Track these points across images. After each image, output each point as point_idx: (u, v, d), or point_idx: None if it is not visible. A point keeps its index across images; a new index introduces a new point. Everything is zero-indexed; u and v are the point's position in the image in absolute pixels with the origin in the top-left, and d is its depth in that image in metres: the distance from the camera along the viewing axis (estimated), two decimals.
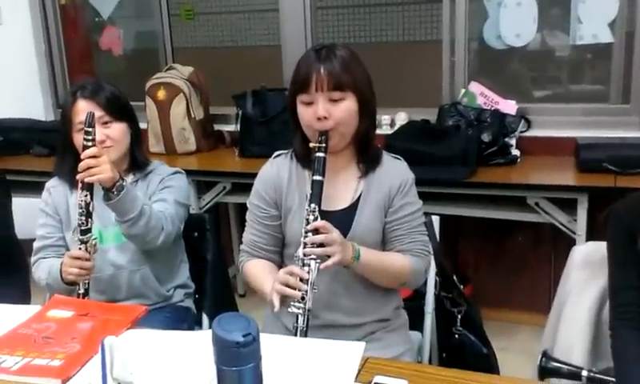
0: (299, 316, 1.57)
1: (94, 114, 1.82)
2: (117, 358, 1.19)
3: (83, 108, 1.94)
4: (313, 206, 1.61)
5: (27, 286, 2.29)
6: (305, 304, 1.56)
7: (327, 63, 1.65)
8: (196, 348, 1.44)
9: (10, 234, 2.29)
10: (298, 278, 1.57)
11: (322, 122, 1.65)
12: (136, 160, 2.06)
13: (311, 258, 1.58)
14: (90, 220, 1.84)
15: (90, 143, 1.80)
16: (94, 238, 1.88)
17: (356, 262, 1.65)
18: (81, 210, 1.83)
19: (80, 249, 1.85)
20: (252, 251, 1.83)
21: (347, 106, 1.66)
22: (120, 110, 1.99)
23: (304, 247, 1.59)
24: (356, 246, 1.66)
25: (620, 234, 1.54)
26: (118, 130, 1.97)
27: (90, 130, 1.80)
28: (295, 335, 1.57)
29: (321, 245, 1.58)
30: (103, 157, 1.80)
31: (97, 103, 1.94)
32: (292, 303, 1.58)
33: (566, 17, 3.10)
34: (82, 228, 1.84)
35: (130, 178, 2.05)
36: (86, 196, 1.83)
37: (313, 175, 1.64)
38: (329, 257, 1.58)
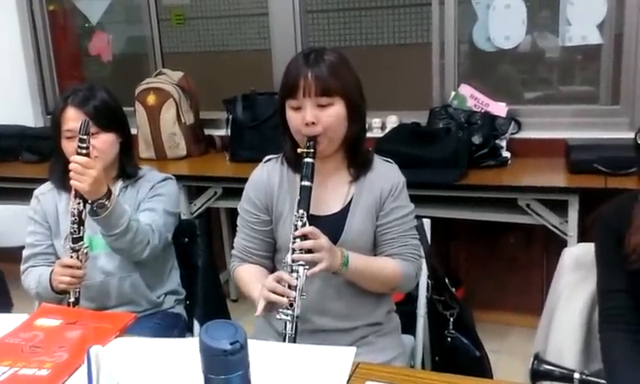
0: (287, 323, 1.56)
1: (89, 121, 1.80)
2: (103, 367, 1.18)
3: (71, 116, 1.92)
4: (301, 211, 1.60)
5: (6, 294, 2.27)
6: (293, 311, 1.55)
7: (315, 68, 1.64)
8: (184, 356, 1.42)
9: None
10: (287, 285, 1.56)
11: (309, 127, 1.64)
12: (125, 170, 2.04)
13: (299, 264, 1.57)
14: (82, 228, 1.83)
15: (83, 151, 1.78)
16: (86, 247, 1.86)
17: (344, 268, 1.64)
18: (73, 218, 1.82)
19: (71, 257, 1.83)
20: (243, 256, 1.82)
21: (335, 112, 1.66)
22: (109, 119, 1.96)
23: (292, 253, 1.58)
24: (345, 252, 1.65)
25: (606, 238, 1.54)
26: (103, 141, 1.94)
27: (85, 137, 1.78)
28: (284, 341, 1.56)
29: (309, 251, 1.57)
30: (91, 170, 1.77)
31: (84, 112, 1.91)
32: (280, 310, 1.57)
33: (555, 18, 3.11)
34: (74, 236, 1.82)
35: (119, 185, 2.04)
36: (78, 204, 1.81)
37: (301, 181, 1.64)
38: (317, 263, 1.57)
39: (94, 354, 1.17)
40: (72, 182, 1.79)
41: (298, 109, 1.66)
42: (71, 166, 1.78)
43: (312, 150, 1.64)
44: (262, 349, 1.39)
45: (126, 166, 2.05)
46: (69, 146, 1.92)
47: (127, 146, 2.06)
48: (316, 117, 1.63)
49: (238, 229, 1.85)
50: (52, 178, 2.05)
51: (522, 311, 3.18)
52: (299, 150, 1.67)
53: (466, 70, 3.32)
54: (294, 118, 1.67)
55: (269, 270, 1.79)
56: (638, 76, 2.94)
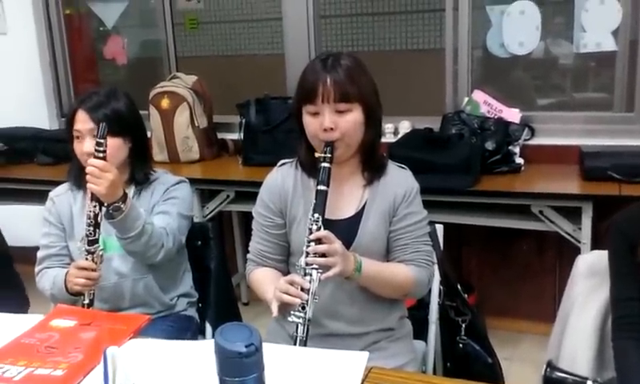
0: (299, 325, 1.56)
1: (105, 125, 1.80)
2: (119, 368, 1.19)
3: (80, 118, 1.94)
4: (316, 215, 1.60)
5: (24, 294, 2.29)
6: (305, 314, 1.56)
7: (333, 73, 1.64)
8: (199, 358, 1.43)
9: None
10: (299, 287, 1.57)
11: (327, 132, 1.64)
12: (134, 176, 2.04)
13: (313, 268, 1.58)
14: (97, 230, 1.84)
15: (100, 154, 1.79)
16: (101, 249, 1.87)
17: (357, 273, 1.64)
18: (89, 221, 1.83)
19: (87, 259, 1.85)
20: (258, 260, 1.83)
21: (353, 118, 1.66)
22: (119, 126, 1.95)
23: (306, 256, 1.59)
24: (358, 257, 1.65)
25: (620, 245, 1.53)
26: (108, 147, 1.90)
27: (102, 141, 1.79)
28: (295, 344, 1.56)
29: (323, 255, 1.58)
30: (108, 173, 1.78)
31: (91, 119, 1.92)
32: (292, 312, 1.57)
33: (570, 25, 3.10)
34: (90, 238, 1.84)
35: (132, 188, 2.04)
36: (95, 207, 1.82)
37: (317, 185, 1.64)
38: (330, 267, 1.58)
39: (110, 355, 1.18)
40: (89, 185, 1.80)
41: (315, 114, 1.67)
42: (88, 169, 1.79)
43: (329, 155, 1.65)
44: (274, 352, 1.39)
45: (135, 172, 2.04)
46: (77, 147, 1.95)
47: (139, 151, 2.05)
48: (334, 123, 1.64)
49: (253, 233, 1.85)
50: (68, 179, 2.07)
51: (534, 318, 3.16)
52: (317, 155, 1.67)
53: (479, 75, 3.32)
54: (311, 123, 1.68)
55: (284, 274, 1.79)
56: None
